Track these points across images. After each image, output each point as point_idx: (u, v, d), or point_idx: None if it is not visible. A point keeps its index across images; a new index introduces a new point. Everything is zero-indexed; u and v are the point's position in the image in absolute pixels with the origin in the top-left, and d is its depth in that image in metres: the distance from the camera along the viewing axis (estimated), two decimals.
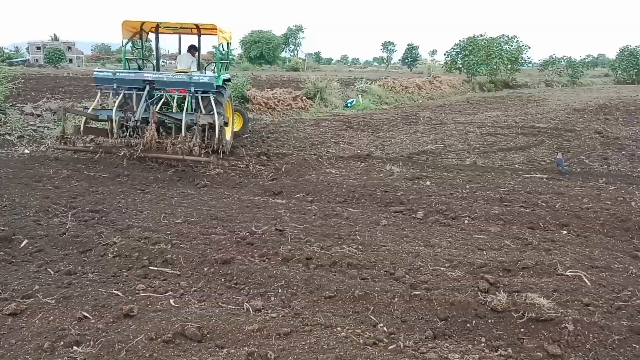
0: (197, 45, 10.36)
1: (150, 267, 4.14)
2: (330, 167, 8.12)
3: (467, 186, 6.83)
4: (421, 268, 4.13)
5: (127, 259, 4.30)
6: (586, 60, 47.82)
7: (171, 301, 3.57)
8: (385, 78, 27.84)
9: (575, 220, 5.31)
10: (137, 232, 4.99)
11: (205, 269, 4.05)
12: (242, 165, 8.12)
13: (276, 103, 16.68)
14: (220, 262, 4.10)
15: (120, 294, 3.67)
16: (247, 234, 4.94)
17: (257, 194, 6.63)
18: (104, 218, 5.48)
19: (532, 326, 3.21)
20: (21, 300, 3.53)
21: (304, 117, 16.22)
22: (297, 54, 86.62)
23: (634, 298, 3.56)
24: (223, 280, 3.92)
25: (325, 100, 18.78)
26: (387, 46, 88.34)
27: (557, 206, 5.83)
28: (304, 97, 18.24)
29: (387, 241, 4.83)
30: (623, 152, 9.46)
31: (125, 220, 5.38)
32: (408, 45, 76.11)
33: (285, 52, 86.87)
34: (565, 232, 5.10)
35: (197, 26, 10.03)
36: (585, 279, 3.86)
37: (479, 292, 3.63)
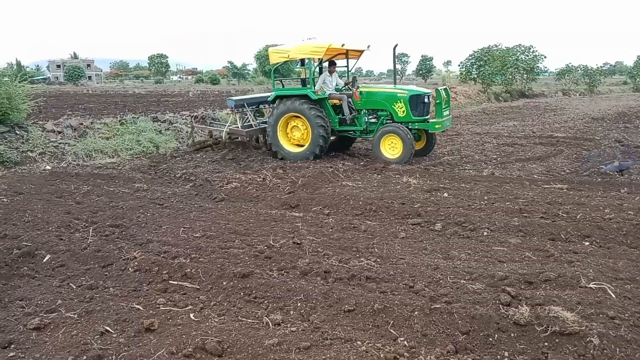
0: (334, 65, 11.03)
1: (170, 281, 4.18)
2: (346, 180, 8.12)
3: (485, 197, 6.76)
4: (441, 281, 4.09)
5: (147, 273, 4.35)
6: (603, 68, 47.22)
7: (191, 315, 3.59)
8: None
9: (598, 231, 5.21)
10: (157, 246, 5.05)
11: (224, 283, 4.07)
12: (259, 179, 8.16)
13: None
14: (239, 276, 4.12)
15: (141, 308, 3.71)
16: (265, 247, 4.95)
17: (274, 208, 6.65)
18: (124, 232, 5.56)
19: (557, 340, 3.14)
20: (45, 315, 3.58)
21: None
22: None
23: None
24: (242, 294, 3.93)
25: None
26: (401, 58, 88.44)
27: (578, 217, 5.73)
28: None
29: (405, 254, 4.80)
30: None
31: (144, 235, 5.44)
32: (422, 56, 76.21)
33: (299, 66, 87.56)
34: (587, 243, 5.01)
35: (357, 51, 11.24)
36: (610, 292, 3.78)
37: (500, 305, 3.58)
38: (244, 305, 3.78)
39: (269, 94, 13.07)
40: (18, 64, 59.60)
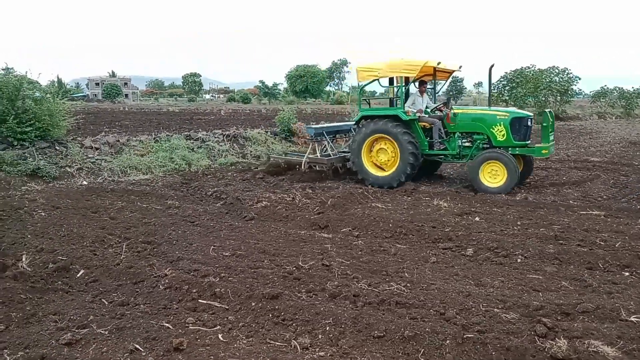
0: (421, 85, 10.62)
1: (199, 300, 4.20)
2: (376, 201, 8.07)
3: (519, 222, 6.61)
4: (473, 309, 3.98)
5: (178, 291, 4.38)
6: None
7: (219, 336, 3.59)
8: None
9: (638, 261, 5.00)
10: (187, 264, 5.10)
11: (253, 304, 4.06)
12: (288, 198, 8.19)
13: None
14: (267, 297, 4.11)
15: (170, 326, 3.73)
16: (294, 268, 4.94)
17: (303, 228, 6.65)
18: (155, 249, 5.64)
19: None
20: (76, 330, 3.64)
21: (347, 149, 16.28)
22: (341, 88, 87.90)
23: None
24: (270, 315, 3.91)
25: None
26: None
27: (617, 245, 5.53)
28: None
29: (436, 279, 4.71)
30: None
31: (175, 252, 5.51)
32: (453, 77, 75.91)
33: (330, 85, 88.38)
34: (627, 273, 4.81)
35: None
36: None
37: (536, 337, 3.46)
38: (272, 327, 3.76)
39: (345, 123, 13.12)
40: (59, 81, 61.99)
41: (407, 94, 10.68)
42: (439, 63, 9.79)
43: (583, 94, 51.36)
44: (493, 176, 8.86)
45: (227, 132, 14.82)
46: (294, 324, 3.77)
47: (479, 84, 73.73)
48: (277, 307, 3.98)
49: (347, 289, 4.37)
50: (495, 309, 3.98)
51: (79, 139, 12.12)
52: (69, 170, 10.10)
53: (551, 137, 9.16)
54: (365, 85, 10.32)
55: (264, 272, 4.80)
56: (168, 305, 4.17)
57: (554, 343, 3.27)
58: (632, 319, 3.71)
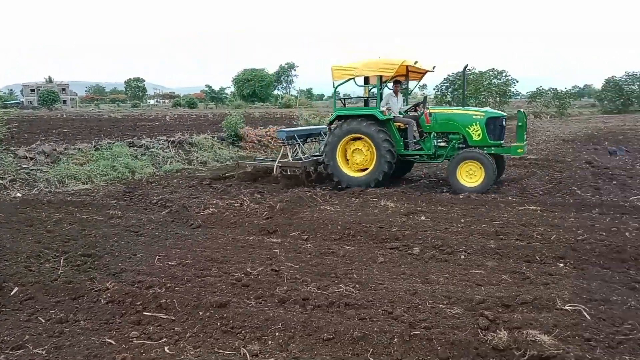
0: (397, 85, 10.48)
1: (144, 313, 4.06)
2: (325, 204, 8.11)
3: (462, 220, 6.83)
4: (419, 306, 4.08)
5: (120, 304, 4.23)
6: (573, 92, 48.79)
7: (166, 348, 3.49)
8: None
9: (571, 253, 5.29)
10: (131, 276, 4.93)
11: (201, 313, 3.98)
12: (236, 204, 8.09)
13: (269, 140, 16.83)
14: (215, 306, 4.03)
15: (113, 342, 3.60)
16: (243, 275, 4.88)
17: (251, 234, 6.59)
18: (96, 262, 5.42)
19: None
20: (10, 352, 3.45)
21: None
22: (289, 91, 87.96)
23: (635, 331, 3.51)
24: (219, 324, 3.84)
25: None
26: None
27: (552, 238, 5.82)
28: None
29: (384, 279, 4.79)
30: (614, 182, 9.53)
31: (118, 264, 5.32)
32: (337, 83, 77.34)
33: (278, 89, 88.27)
34: (562, 264, 5.08)
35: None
36: (585, 313, 3.82)
37: (479, 330, 3.58)
38: (220, 336, 3.70)
39: (316, 127, 12.88)
40: None
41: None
42: (416, 62, 9.74)
43: (520, 94, 53.78)
44: (470, 176, 8.92)
45: (172, 138, 14.48)
46: (243, 332, 3.73)
47: (424, 86, 75.70)
48: (225, 315, 3.92)
49: (296, 293, 4.36)
50: (441, 305, 4.09)
51: (12, 148, 11.48)
52: (0, 182, 9.54)
53: (525, 137, 9.36)
54: (340, 84, 10.17)
55: (212, 281, 4.72)
56: (110, 320, 4.02)
57: (495, 335, 3.40)
58: (567, 308, 3.91)
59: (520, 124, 9.29)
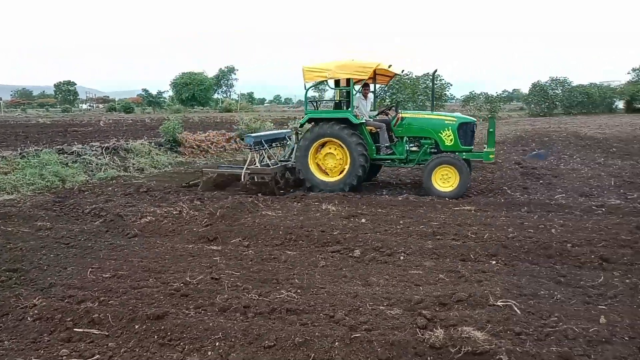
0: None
1: (74, 329, 3.86)
2: (266, 209, 8.06)
3: (401, 222, 6.99)
4: (360, 308, 4.13)
5: (49, 321, 3.99)
6: (502, 95, 51.33)
7: None
8: None
9: (503, 250, 5.55)
10: (61, 290, 4.67)
11: (137, 327, 3.83)
12: (175, 212, 7.87)
13: (209, 145, 16.53)
14: (152, 318, 3.90)
15: None
16: (182, 284, 4.74)
17: (191, 242, 6.43)
18: (23, 277, 5.09)
19: None
20: None
21: (239, 158, 16.12)
22: (229, 95, 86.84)
23: (561, 323, 3.73)
24: (156, 337, 3.71)
25: None
26: (318, 86, 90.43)
27: (485, 237, 6.08)
28: (238, 139, 18.19)
29: (325, 283, 4.81)
30: (541, 182, 10.11)
31: (47, 279, 5.02)
32: (308, 85, 78.17)
33: (218, 93, 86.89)
34: (494, 262, 5.31)
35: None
36: (515, 308, 4.01)
37: (417, 329, 3.67)
38: (158, 349, 3.57)
39: (280, 131, 12.33)
40: None
41: (348, 95, 10.40)
42: (390, 66, 9.66)
43: (455, 98, 56.01)
44: (445, 180, 8.95)
45: (106, 145, 13.89)
46: (181, 343, 3.62)
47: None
48: (163, 327, 3.79)
49: (237, 301, 4.30)
50: (381, 307, 4.17)
51: None
52: None
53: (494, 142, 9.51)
54: (312, 86, 9.89)
55: (149, 292, 4.56)
56: (38, 338, 3.78)
57: (432, 333, 3.50)
58: (499, 304, 4.10)
59: (491, 130, 9.38)
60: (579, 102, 45.18)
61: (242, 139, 18.32)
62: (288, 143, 11.28)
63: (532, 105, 48.50)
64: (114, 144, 14.12)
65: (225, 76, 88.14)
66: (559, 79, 47.97)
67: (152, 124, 26.30)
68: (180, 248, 6.10)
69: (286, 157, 10.80)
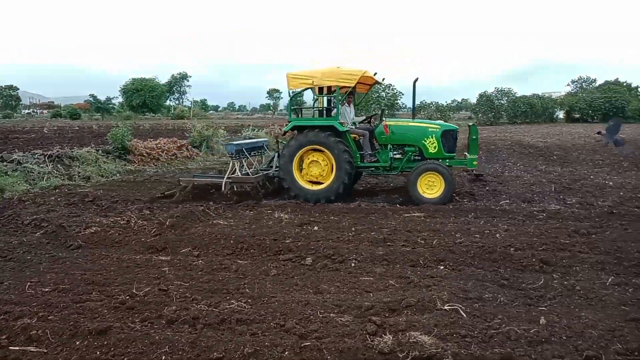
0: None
1: (10, 348, 3.65)
2: (218, 218, 7.94)
3: (353, 229, 7.06)
4: (311, 316, 4.13)
5: None
6: (452, 105, 52.97)
7: None
8: (272, 125, 28.36)
9: (450, 255, 5.70)
10: None
11: (78, 343, 3.67)
12: (122, 222, 7.63)
13: (160, 153, 16.16)
14: (95, 333, 3.75)
15: None
16: (127, 297, 4.60)
17: (138, 252, 6.24)
18: None
19: None
20: None
21: (191, 166, 15.85)
22: (182, 102, 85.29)
23: (504, 325, 3.86)
24: (98, 353, 3.56)
25: (212, 148, 18.58)
26: (273, 94, 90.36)
27: (434, 243, 6.22)
28: (190, 146, 17.88)
29: (277, 291, 4.78)
30: (487, 188, 10.46)
31: None
32: (292, 91, 78.27)
33: (170, 100, 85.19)
34: (442, 267, 5.44)
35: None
36: (462, 312, 4.12)
37: (367, 336, 3.71)
38: None
39: (259, 139, 11.98)
40: None
41: (329, 103, 10.46)
42: (375, 74, 9.66)
43: (407, 107, 57.26)
44: (430, 187, 9.00)
45: (49, 152, 13.31)
46: (125, 359, 3.50)
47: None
48: (106, 342, 3.65)
49: (185, 312, 4.20)
50: (332, 314, 4.18)
51: None
52: None
53: (477, 149, 9.64)
54: (297, 93, 9.82)
55: (92, 306, 4.38)
56: None
57: (382, 339, 3.54)
58: (446, 308, 4.20)
59: (474, 137, 9.49)
60: (523, 112, 47.20)
61: (196, 147, 18.06)
62: (266, 153, 11.11)
63: (480, 115, 50.27)
64: (57, 151, 13.56)
65: (177, 83, 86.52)
66: (504, 90, 49.98)
67: (100, 130, 25.42)
68: (127, 259, 5.91)
69: (266, 166, 10.61)
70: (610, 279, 4.90)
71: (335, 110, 9.61)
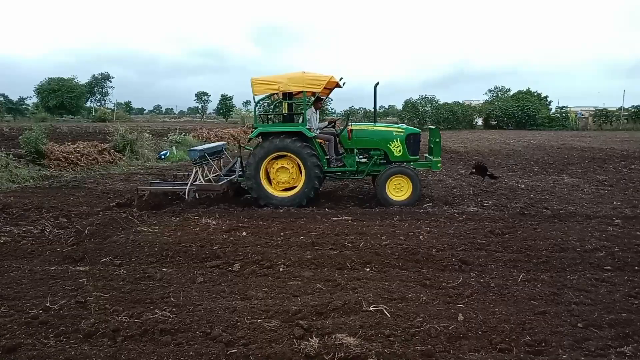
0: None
1: None
2: (142, 225, 7.65)
3: (282, 233, 7.07)
4: (238, 323, 4.09)
5: None
6: (379, 111, 54.47)
7: None
8: (200, 129, 27.76)
9: (376, 257, 5.86)
10: None
11: None
12: (35, 231, 7.15)
13: (79, 158, 15.31)
14: (3, 351, 3.49)
15: None
16: (40, 311, 4.32)
17: (54, 263, 5.87)
18: None
19: None
20: None
21: (113, 171, 15.15)
22: (104, 104, 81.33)
23: (425, 323, 4.03)
24: None
25: (136, 152, 17.87)
26: (201, 97, 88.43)
27: (361, 245, 6.37)
28: (112, 151, 17.09)
29: (203, 299, 4.69)
30: None
31: None
32: (222, 95, 77.12)
33: (91, 101, 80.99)
34: (368, 269, 5.58)
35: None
36: (386, 312, 4.25)
37: (294, 340, 3.73)
38: None
39: (218, 143, 11.29)
40: None
41: (290, 108, 10.31)
42: (341, 79, 9.71)
43: (336, 112, 58.16)
44: (398, 189, 9.22)
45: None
46: None
47: (248, 102, 76.98)
48: None
49: (105, 325, 4.01)
50: (259, 320, 4.16)
51: None
52: None
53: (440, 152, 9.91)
54: (261, 99, 9.46)
55: (0, 322, 4.07)
56: None
57: (308, 343, 3.58)
58: (371, 309, 4.31)
59: (437, 140, 9.74)
60: (445, 118, 49.47)
61: (119, 151, 17.27)
62: (224, 156, 10.79)
63: (406, 121, 52.08)
64: None
65: (99, 83, 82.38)
66: (428, 97, 52.21)
67: (12, 133, 23.65)
68: (40, 271, 5.54)
69: (226, 171, 10.33)
70: (521, 276, 5.25)
71: (302, 116, 9.61)
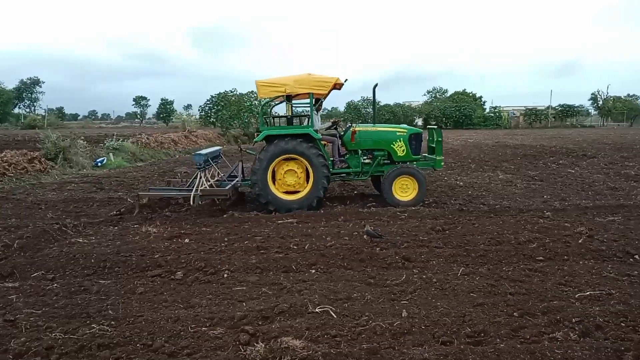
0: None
1: None
2: (77, 236, 7.29)
3: (226, 239, 6.95)
4: (182, 332, 3.97)
5: None
6: (322, 114, 54.88)
7: None
8: (139, 134, 26.85)
9: (322, 259, 5.88)
10: None
11: None
12: None
13: (6, 167, 14.39)
14: None
15: None
16: None
17: None
18: None
19: None
20: None
21: (45, 181, 14.35)
22: (34, 110, 77.02)
23: (370, 321, 4.08)
24: None
25: (70, 160, 17.02)
26: (140, 101, 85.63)
27: (306, 247, 6.38)
28: (44, 159, 16.20)
29: (144, 310, 4.52)
30: (355, 192, 11.02)
31: None
32: (162, 99, 74.96)
33: (20, 107, 76.50)
34: (313, 271, 5.59)
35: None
36: (332, 313, 4.27)
37: (240, 346, 3.67)
38: None
39: (215, 148, 10.74)
40: None
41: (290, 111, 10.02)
42: (346, 80, 9.67)
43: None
44: (404, 190, 9.27)
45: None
46: None
47: (189, 106, 75.18)
48: None
49: (37, 343, 3.79)
50: (204, 328, 4.06)
51: None
52: None
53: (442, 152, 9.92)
54: (268, 102, 9.37)
55: None
56: None
57: (254, 348, 3.53)
58: (317, 310, 4.32)
59: (439, 139, 9.83)
60: (387, 119, 50.58)
61: (50, 159, 16.38)
62: (221, 161, 10.55)
63: (348, 123, 52.80)
64: None
65: (28, 89, 77.90)
66: (369, 99, 53.16)
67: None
68: None
69: (228, 176, 10.15)
70: (461, 270, 5.43)
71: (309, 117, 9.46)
